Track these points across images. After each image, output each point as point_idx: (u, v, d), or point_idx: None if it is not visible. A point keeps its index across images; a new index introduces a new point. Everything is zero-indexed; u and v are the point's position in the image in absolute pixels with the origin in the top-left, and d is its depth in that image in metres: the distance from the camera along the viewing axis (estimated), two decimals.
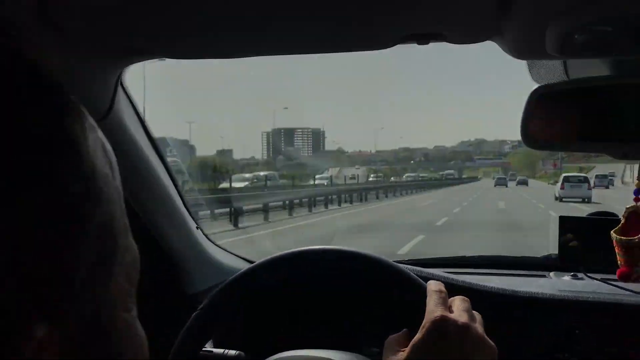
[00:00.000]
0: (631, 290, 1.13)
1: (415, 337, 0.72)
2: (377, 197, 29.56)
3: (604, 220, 1.27)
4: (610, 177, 47.86)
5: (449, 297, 0.79)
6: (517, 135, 0.91)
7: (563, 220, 1.31)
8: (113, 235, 0.37)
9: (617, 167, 57.97)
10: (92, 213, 0.35)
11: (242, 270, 0.99)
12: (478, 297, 1.08)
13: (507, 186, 50.45)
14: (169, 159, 1.32)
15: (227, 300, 0.98)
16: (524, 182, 56.55)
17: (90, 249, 0.35)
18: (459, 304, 0.77)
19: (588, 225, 1.31)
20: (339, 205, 23.70)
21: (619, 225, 0.98)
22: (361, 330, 1.25)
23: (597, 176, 43.77)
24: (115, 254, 0.38)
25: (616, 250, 0.98)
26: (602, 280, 1.20)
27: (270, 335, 1.24)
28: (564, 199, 25.62)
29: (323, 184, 33.91)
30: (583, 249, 1.29)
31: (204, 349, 1.02)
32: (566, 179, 27.85)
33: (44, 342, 0.31)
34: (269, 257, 0.99)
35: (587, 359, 1.01)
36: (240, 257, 1.47)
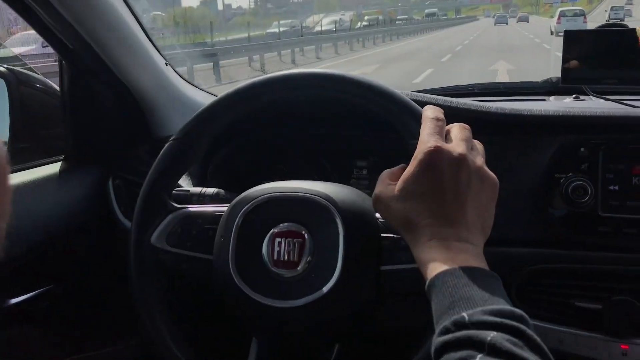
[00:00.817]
0: None
1: (406, 169, 0.66)
2: (364, 46, 27.85)
3: (616, 31, 1.15)
4: (627, 7, 45.78)
5: (447, 124, 0.71)
6: None
7: (568, 34, 1.18)
8: None
9: None
10: None
11: (218, 97, 0.88)
12: (477, 119, 1.00)
13: (507, 24, 51.28)
14: None
15: (202, 128, 0.88)
16: (524, 19, 56.90)
17: None
18: (457, 132, 0.70)
19: (596, 38, 1.19)
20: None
21: None
22: (350, 164, 1.19)
23: (612, 8, 41.92)
24: None
25: None
26: (616, 100, 1.11)
27: (252, 172, 1.19)
28: (559, 34, 25.66)
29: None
30: (589, 65, 1.19)
31: (180, 188, 0.95)
32: (562, 14, 28.58)
33: None
34: (248, 81, 0.88)
35: (592, 179, 0.94)
36: (215, 95, 1.36)
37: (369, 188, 1.14)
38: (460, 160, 0.64)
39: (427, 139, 0.66)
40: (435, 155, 0.63)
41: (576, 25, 25.71)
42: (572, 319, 0.93)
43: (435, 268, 0.60)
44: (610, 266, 0.93)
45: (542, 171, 0.96)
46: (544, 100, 1.32)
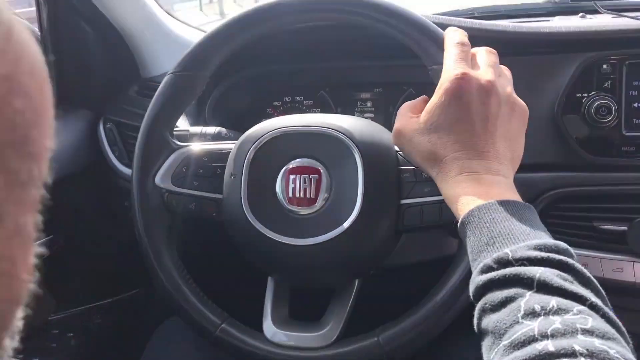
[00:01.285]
0: None
1: (431, 100, 0.62)
2: None
3: None
4: None
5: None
6: None
7: None
8: None
9: None
10: None
11: (220, 24, 0.82)
12: (492, 40, 0.94)
13: None
14: None
15: (203, 59, 0.82)
16: None
17: None
18: (484, 57, 0.65)
19: None
20: None
21: None
22: (353, 97, 1.14)
23: None
24: None
25: None
26: (634, 17, 1.05)
27: (250, 110, 1.13)
28: None
29: None
30: None
31: (179, 128, 0.90)
32: None
33: None
34: (252, 6, 0.81)
35: (616, 97, 0.89)
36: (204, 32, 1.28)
37: (373, 121, 1.09)
38: (489, 88, 0.60)
39: (453, 66, 0.62)
40: (463, 84, 0.60)
41: None
42: (597, 242, 0.90)
43: (467, 203, 0.56)
44: (634, 187, 0.90)
45: (563, 91, 0.91)
46: (548, 20, 1.26)
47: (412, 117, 0.65)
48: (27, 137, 0.23)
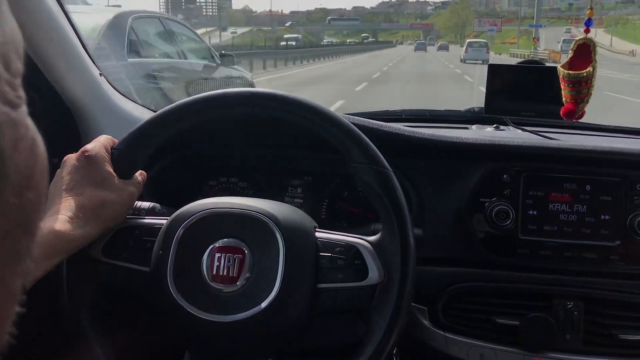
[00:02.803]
0: (560, 141, 1.13)
1: None
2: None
3: (536, 68, 1.25)
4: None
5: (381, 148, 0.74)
6: None
7: (492, 68, 1.27)
8: None
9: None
10: None
11: (158, 112, 0.88)
12: (409, 144, 1.05)
13: (426, 50, 56.10)
14: None
15: (142, 142, 0.88)
16: (444, 48, 60.80)
17: None
18: None
19: (518, 73, 1.28)
20: None
21: (567, 59, 0.94)
22: (284, 182, 1.22)
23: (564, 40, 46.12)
24: None
25: (562, 87, 0.95)
26: (532, 131, 1.20)
27: (186, 188, 1.18)
28: (467, 61, 31.46)
29: None
30: (510, 98, 1.28)
31: None
32: (470, 44, 35.47)
33: None
34: (186, 99, 0.88)
35: (514, 204, 1.01)
36: (149, 108, 1.35)
37: (302, 207, 1.16)
38: None
39: None
40: None
41: (481, 54, 32.62)
42: (492, 334, 0.99)
43: None
44: (527, 285, 1.00)
45: (468, 195, 1.02)
46: (466, 128, 1.40)
47: None
48: (30, 220, 0.30)
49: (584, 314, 0.99)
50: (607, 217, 1.01)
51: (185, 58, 5.73)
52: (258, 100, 0.87)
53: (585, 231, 1.01)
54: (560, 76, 0.94)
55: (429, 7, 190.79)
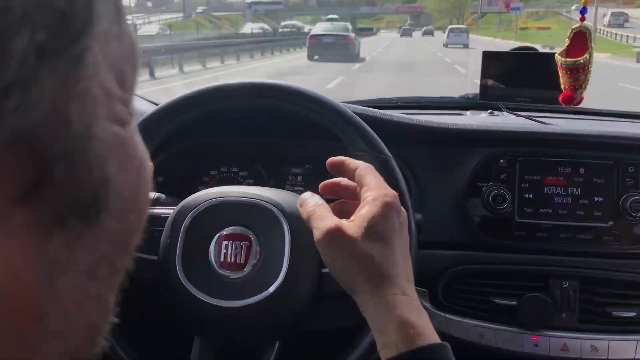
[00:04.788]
0: (555, 125, 1.15)
1: (369, 209, 0.60)
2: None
3: (530, 54, 1.27)
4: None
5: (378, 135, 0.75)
6: None
7: (487, 54, 1.29)
8: None
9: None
10: None
11: (159, 105, 0.90)
12: (406, 131, 1.07)
13: (412, 36, 55.46)
14: None
15: (143, 136, 0.89)
16: (429, 33, 60.55)
17: None
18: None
19: (512, 59, 1.31)
20: None
21: (564, 47, 0.97)
22: (285, 171, 1.24)
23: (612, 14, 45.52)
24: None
25: (560, 74, 0.98)
26: (526, 117, 1.22)
27: (188, 178, 1.20)
28: (449, 45, 32.70)
29: None
30: (505, 83, 1.30)
31: None
32: (451, 30, 36.77)
33: None
34: (189, 91, 0.90)
35: (510, 188, 1.04)
36: (149, 101, 1.36)
37: None
38: (402, 212, 0.63)
39: (384, 186, 0.63)
40: (397, 204, 0.61)
41: (461, 39, 34.15)
42: (491, 314, 1.02)
43: (423, 335, 0.55)
44: (524, 266, 1.04)
45: (466, 180, 1.05)
46: (461, 114, 1.42)
47: (344, 220, 0.62)
48: (130, 240, 0.31)
49: (579, 293, 1.02)
50: (600, 199, 1.04)
51: None
52: (259, 90, 0.89)
53: (579, 213, 1.05)
54: (558, 64, 0.97)
55: None
